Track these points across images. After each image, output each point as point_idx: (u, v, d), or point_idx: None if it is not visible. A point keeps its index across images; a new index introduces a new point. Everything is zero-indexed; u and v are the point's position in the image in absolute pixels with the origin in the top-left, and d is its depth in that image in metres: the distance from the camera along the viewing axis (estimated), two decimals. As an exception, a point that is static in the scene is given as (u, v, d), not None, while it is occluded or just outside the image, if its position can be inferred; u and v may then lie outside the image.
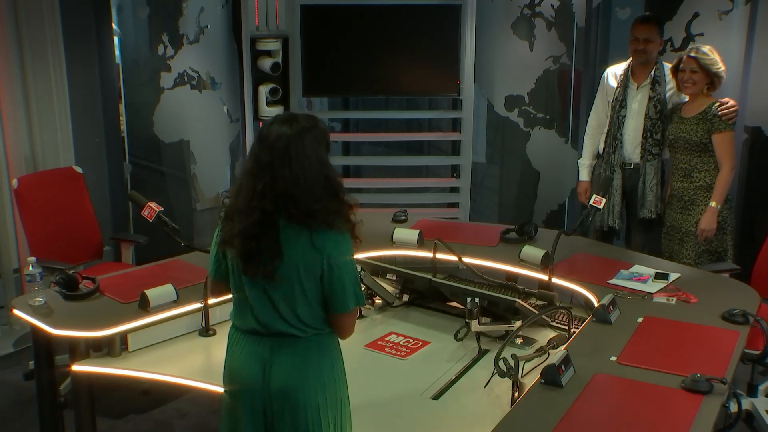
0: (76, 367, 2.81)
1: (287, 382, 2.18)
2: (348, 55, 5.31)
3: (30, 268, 3.03)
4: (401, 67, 5.36)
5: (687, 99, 4.02)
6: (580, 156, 4.52)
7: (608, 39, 5.14)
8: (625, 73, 4.26)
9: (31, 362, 3.58)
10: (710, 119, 3.86)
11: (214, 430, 3.72)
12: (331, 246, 2.15)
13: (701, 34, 4.81)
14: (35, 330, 2.95)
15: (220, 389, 2.62)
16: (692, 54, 3.85)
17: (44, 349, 3.03)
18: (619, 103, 4.24)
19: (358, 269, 3.13)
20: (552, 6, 5.32)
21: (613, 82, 4.31)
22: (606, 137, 4.32)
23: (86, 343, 2.83)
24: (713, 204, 3.87)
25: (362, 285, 3.15)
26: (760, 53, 4.66)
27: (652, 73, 4.17)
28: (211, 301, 2.99)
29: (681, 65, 3.90)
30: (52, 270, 3.30)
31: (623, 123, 4.24)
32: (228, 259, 2.24)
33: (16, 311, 2.97)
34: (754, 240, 4.08)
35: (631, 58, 4.24)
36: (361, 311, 3.16)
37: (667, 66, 4.18)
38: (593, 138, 4.44)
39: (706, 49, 3.86)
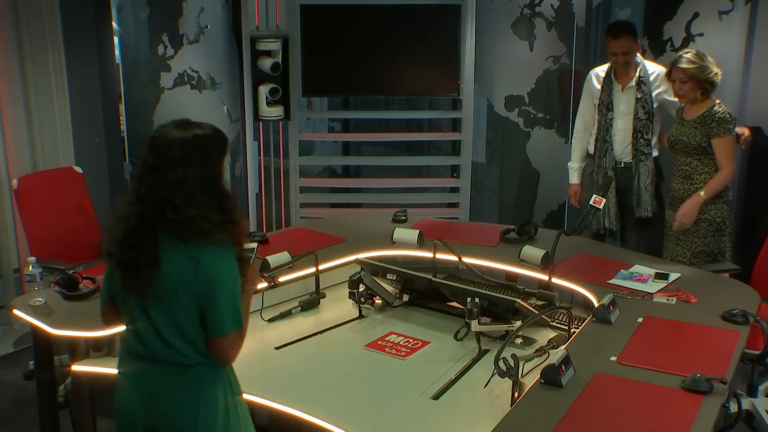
0: (76, 367, 2.82)
1: (173, 422, 2.07)
2: (348, 55, 5.31)
3: (30, 268, 3.03)
4: (401, 67, 5.36)
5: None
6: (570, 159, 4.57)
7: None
8: (608, 76, 4.28)
9: (31, 362, 3.58)
10: (708, 123, 3.81)
11: (214, 430, 3.72)
12: (209, 260, 2.02)
13: (701, 34, 4.81)
14: (35, 330, 2.95)
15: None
16: (679, 65, 3.80)
17: (44, 349, 3.04)
18: (606, 107, 4.27)
19: (357, 270, 3.17)
20: (552, 6, 5.32)
21: (598, 85, 4.34)
22: (596, 141, 4.36)
23: (86, 343, 2.83)
24: (701, 194, 3.83)
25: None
26: (760, 53, 4.66)
27: (637, 74, 4.19)
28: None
29: (671, 75, 3.87)
30: (52, 270, 3.30)
31: (611, 125, 4.27)
32: (115, 278, 2.12)
33: (16, 311, 2.98)
34: (754, 240, 4.08)
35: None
36: (360, 312, 3.16)
37: (649, 64, 4.23)
38: (581, 140, 4.48)
39: (691, 56, 3.80)
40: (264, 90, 5.13)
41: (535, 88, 5.47)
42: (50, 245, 4.14)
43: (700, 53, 3.85)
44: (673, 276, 3.24)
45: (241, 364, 2.71)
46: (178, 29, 5.40)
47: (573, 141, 4.56)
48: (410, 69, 5.37)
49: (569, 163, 4.56)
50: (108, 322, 2.33)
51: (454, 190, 5.61)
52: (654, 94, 4.20)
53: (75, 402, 2.93)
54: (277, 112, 5.21)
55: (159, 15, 5.43)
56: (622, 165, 4.29)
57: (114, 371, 2.77)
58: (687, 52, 3.84)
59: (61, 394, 3.38)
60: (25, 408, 3.82)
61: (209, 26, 5.49)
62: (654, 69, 4.26)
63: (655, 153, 4.29)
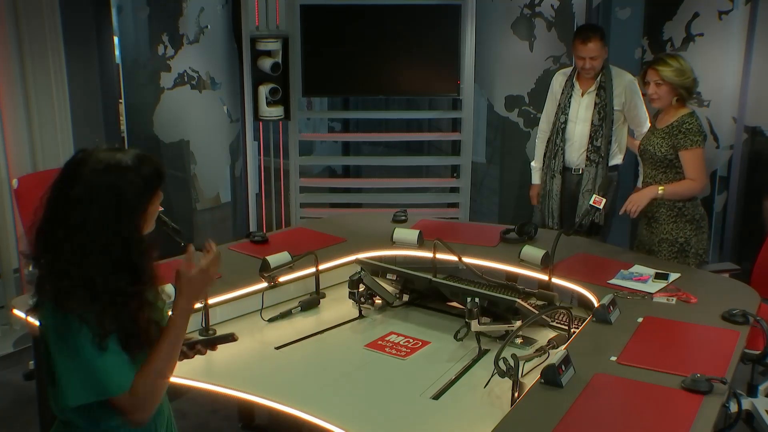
0: (76, 367, 2.81)
1: None
2: (348, 55, 5.31)
3: (30, 268, 3.03)
4: (401, 67, 5.36)
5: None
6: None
7: (608, 39, 5.13)
8: (570, 79, 4.21)
9: (31, 362, 3.58)
10: (675, 134, 3.52)
11: (214, 430, 3.73)
12: (49, 327, 1.75)
13: (701, 34, 4.81)
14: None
15: (220, 389, 2.63)
16: (655, 66, 3.53)
17: (44, 349, 3.03)
18: (562, 109, 4.21)
19: (357, 270, 3.16)
20: (552, 6, 5.32)
21: (559, 85, 4.28)
22: (548, 142, 4.30)
23: (86, 343, 2.83)
24: (660, 189, 3.56)
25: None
26: (760, 53, 4.66)
27: (598, 78, 4.10)
28: (211, 301, 3.00)
29: (646, 77, 3.58)
30: (52, 270, 3.30)
31: (564, 128, 4.19)
32: None
33: (16, 311, 2.98)
34: (754, 240, 4.08)
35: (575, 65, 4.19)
36: (360, 311, 3.16)
37: (616, 70, 4.11)
38: (545, 140, 4.37)
39: (669, 58, 3.55)
40: (264, 90, 5.13)
41: (535, 88, 5.47)
42: (50, 245, 4.14)
43: (679, 57, 3.59)
44: (673, 276, 3.24)
45: (242, 364, 2.72)
46: (178, 29, 5.40)
47: (537, 141, 4.45)
48: (410, 69, 5.37)
49: (532, 163, 4.49)
50: None
51: (454, 190, 5.61)
52: (615, 101, 4.07)
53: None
54: (277, 112, 5.21)
55: (159, 15, 5.43)
56: (578, 171, 4.21)
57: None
58: (665, 54, 3.69)
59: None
60: (25, 408, 3.82)
61: (209, 26, 5.49)
62: (622, 77, 4.12)
63: (617, 161, 4.18)
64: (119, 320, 1.76)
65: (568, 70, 4.31)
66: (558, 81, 4.32)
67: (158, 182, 1.82)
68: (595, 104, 4.10)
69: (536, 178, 4.46)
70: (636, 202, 3.61)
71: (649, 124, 3.98)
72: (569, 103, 4.19)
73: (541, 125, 4.45)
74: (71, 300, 1.71)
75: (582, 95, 4.17)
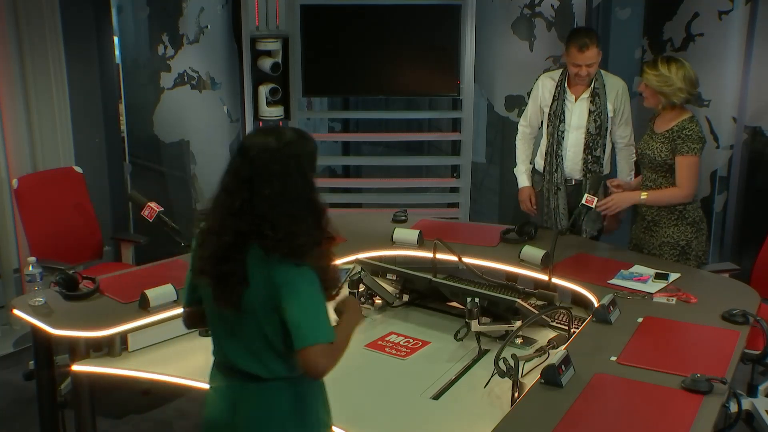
0: (76, 367, 2.82)
1: None
2: (348, 55, 5.30)
3: (30, 268, 3.03)
4: (401, 67, 5.35)
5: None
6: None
7: (608, 39, 5.14)
8: (561, 85, 3.97)
9: (31, 362, 3.58)
10: (674, 139, 3.48)
11: (214, 430, 3.72)
12: (288, 275, 1.95)
13: (701, 34, 4.81)
14: (35, 330, 2.95)
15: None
16: (646, 66, 3.52)
17: (44, 349, 3.04)
18: (558, 117, 3.96)
19: (358, 270, 3.16)
20: (552, 6, 5.32)
21: (548, 91, 4.02)
22: (546, 155, 4.04)
23: (86, 343, 2.83)
24: (642, 195, 3.52)
25: (359, 297, 3.13)
26: (760, 53, 4.66)
27: (592, 84, 3.91)
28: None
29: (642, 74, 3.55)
30: (52, 270, 3.30)
31: (563, 138, 3.96)
32: (203, 288, 2.10)
33: (16, 311, 2.98)
34: (754, 240, 4.08)
35: (565, 68, 3.98)
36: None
37: (607, 75, 3.95)
38: (528, 142, 4.18)
39: (660, 62, 3.47)
40: (264, 90, 5.13)
41: (535, 88, 5.47)
42: (50, 245, 4.14)
43: (675, 63, 3.47)
44: (673, 276, 3.24)
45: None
46: (178, 29, 5.40)
47: (518, 143, 4.19)
48: (410, 69, 5.37)
49: (515, 168, 4.23)
50: (190, 325, 2.31)
51: (454, 190, 5.61)
52: (609, 107, 3.92)
53: (75, 402, 2.93)
54: (277, 112, 5.21)
55: (159, 15, 5.43)
56: (573, 183, 4.00)
57: (114, 371, 2.80)
58: (664, 56, 3.52)
59: (62, 392, 3.39)
60: (25, 408, 3.81)
61: (209, 26, 5.49)
62: (615, 83, 3.96)
63: (608, 170, 4.03)
64: (325, 270, 2.03)
65: (555, 73, 4.05)
66: (546, 86, 4.04)
67: (316, 147, 2.09)
68: (590, 112, 3.91)
69: (524, 180, 4.18)
70: (617, 203, 3.55)
71: (631, 139, 3.95)
72: (564, 110, 3.96)
73: (523, 129, 4.19)
74: (305, 255, 1.94)
75: (575, 101, 3.95)
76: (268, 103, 5.15)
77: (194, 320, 2.25)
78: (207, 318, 2.15)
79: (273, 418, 2.06)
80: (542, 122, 4.10)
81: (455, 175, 5.61)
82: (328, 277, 2.02)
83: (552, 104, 4.00)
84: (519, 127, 4.25)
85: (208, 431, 2.17)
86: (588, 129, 3.93)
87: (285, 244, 1.93)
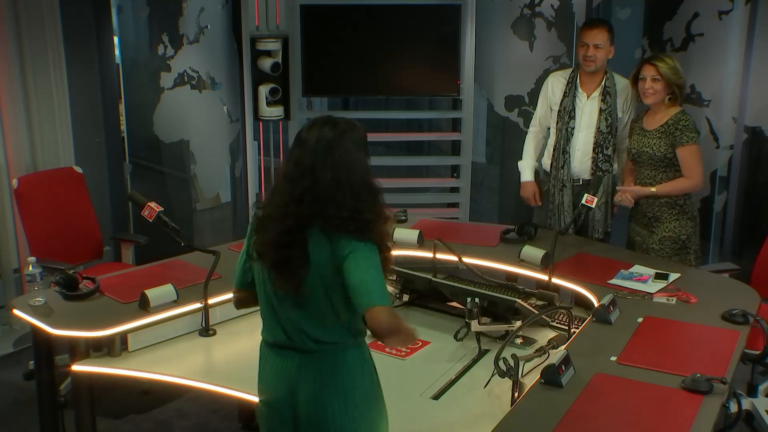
0: (76, 367, 2.81)
1: (314, 406, 2.13)
2: (348, 55, 5.31)
3: (30, 268, 3.03)
4: (401, 67, 5.36)
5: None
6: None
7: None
8: (572, 82, 3.99)
9: (31, 362, 3.59)
10: (672, 132, 3.57)
11: (214, 430, 3.73)
12: (350, 247, 2.05)
13: (701, 34, 4.81)
14: (35, 330, 2.95)
15: (221, 389, 2.63)
16: (653, 61, 3.59)
17: (44, 349, 3.04)
18: (568, 114, 3.97)
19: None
20: (552, 6, 5.32)
21: (558, 90, 4.05)
22: (554, 150, 4.05)
23: (86, 343, 2.83)
24: (653, 189, 3.62)
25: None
26: (760, 53, 4.66)
27: (603, 83, 3.93)
28: (211, 301, 3.00)
29: (641, 73, 3.62)
30: (52, 270, 3.30)
31: (572, 135, 3.97)
32: (256, 271, 2.19)
33: (16, 311, 2.98)
34: (754, 240, 4.08)
35: (577, 65, 4.02)
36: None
37: (617, 77, 3.96)
38: (538, 141, 4.21)
39: (666, 56, 3.64)
40: (264, 90, 5.13)
41: (535, 88, 5.46)
42: (50, 245, 4.14)
43: (673, 58, 3.65)
44: (673, 276, 3.24)
45: (242, 364, 2.72)
46: (178, 29, 5.40)
47: (527, 139, 4.23)
48: (410, 69, 5.37)
49: (520, 163, 4.26)
50: (240, 306, 2.38)
51: (454, 190, 5.61)
52: (619, 107, 3.94)
53: (75, 402, 2.93)
54: (277, 112, 5.21)
55: (159, 15, 5.43)
56: (581, 182, 3.99)
57: (114, 371, 2.80)
58: (662, 53, 3.70)
59: (62, 392, 3.39)
60: (25, 408, 3.82)
61: (209, 26, 5.49)
62: (625, 84, 3.92)
63: (615, 169, 4.02)
64: (384, 249, 2.13)
65: (566, 72, 4.09)
66: (556, 85, 4.07)
67: (365, 132, 2.24)
68: (601, 110, 3.92)
69: (528, 175, 4.22)
70: (636, 194, 3.66)
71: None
72: (575, 107, 3.99)
73: (533, 128, 4.23)
74: (370, 231, 2.06)
75: (586, 99, 3.97)
76: (268, 103, 5.15)
77: (245, 302, 2.33)
78: (260, 299, 2.22)
79: (333, 389, 2.13)
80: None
81: (455, 175, 5.62)
82: (386, 257, 2.12)
83: (562, 100, 4.02)
84: (530, 128, 4.29)
85: (269, 413, 2.23)
86: (599, 128, 3.95)
87: (351, 221, 2.04)
